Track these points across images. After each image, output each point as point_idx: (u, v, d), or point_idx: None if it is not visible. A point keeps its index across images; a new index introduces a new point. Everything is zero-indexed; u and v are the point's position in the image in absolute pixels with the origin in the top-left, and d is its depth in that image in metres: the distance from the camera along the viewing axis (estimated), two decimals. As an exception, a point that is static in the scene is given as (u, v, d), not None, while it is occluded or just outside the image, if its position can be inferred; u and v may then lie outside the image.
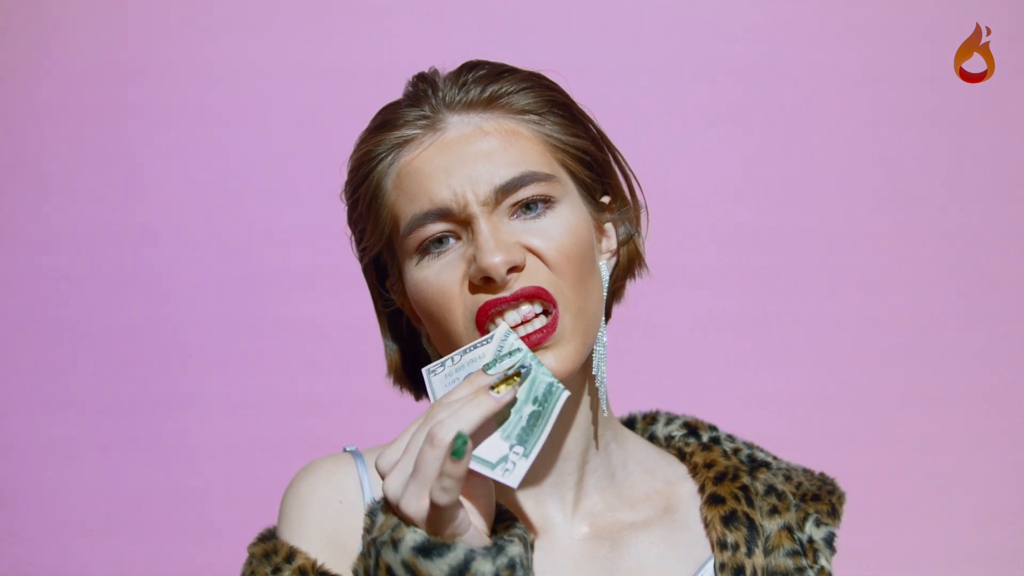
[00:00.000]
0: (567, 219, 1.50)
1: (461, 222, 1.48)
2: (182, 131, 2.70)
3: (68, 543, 2.71)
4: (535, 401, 1.39)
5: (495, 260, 1.45)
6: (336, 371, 2.68)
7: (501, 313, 1.46)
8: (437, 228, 1.49)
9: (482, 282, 1.46)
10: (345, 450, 1.61)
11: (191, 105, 2.71)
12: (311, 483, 1.56)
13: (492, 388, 1.38)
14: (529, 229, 1.48)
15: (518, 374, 1.39)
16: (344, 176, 1.58)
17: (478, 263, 1.45)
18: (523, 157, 1.50)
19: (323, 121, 2.67)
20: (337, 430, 2.51)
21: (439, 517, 1.35)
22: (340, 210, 1.62)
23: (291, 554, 1.51)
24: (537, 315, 1.47)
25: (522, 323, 1.46)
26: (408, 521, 1.37)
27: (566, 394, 1.40)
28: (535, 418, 1.39)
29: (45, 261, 2.73)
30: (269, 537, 1.55)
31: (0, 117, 2.72)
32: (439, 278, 1.48)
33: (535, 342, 1.45)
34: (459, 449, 1.33)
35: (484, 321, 1.46)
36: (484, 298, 1.46)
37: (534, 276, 1.47)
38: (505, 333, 1.44)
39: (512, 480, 1.37)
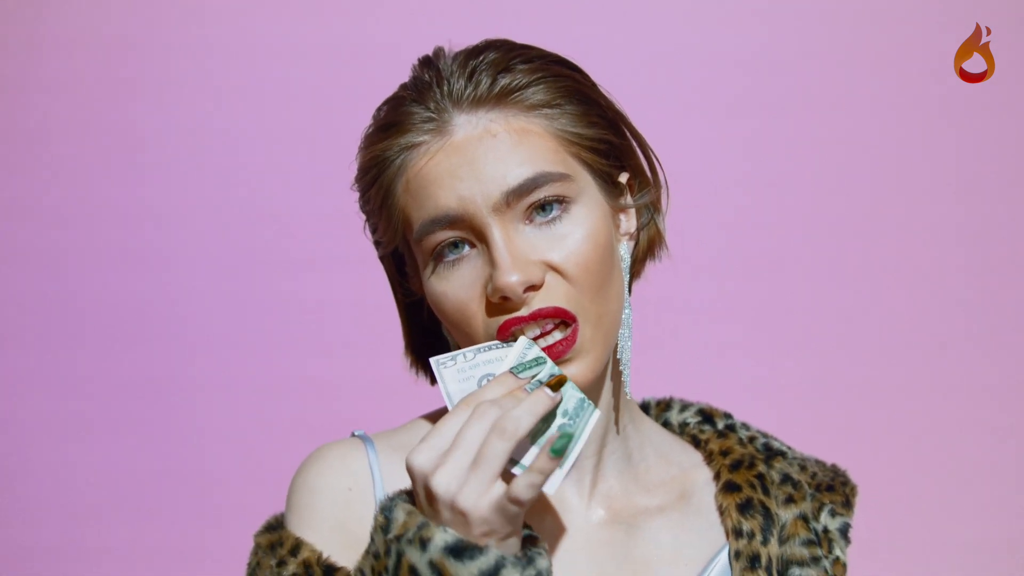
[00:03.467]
0: (584, 222, 1.45)
1: (473, 229, 1.44)
2: (186, 110, 2.68)
3: (71, 524, 2.68)
4: (564, 414, 1.39)
5: (511, 279, 1.41)
6: (344, 354, 2.66)
7: (522, 331, 1.44)
8: (448, 235, 1.45)
9: (500, 300, 1.43)
10: (353, 434, 1.56)
11: (195, 84, 2.68)
12: (320, 469, 1.51)
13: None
14: (545, 238, 1.44)
15: (563, 378, 1.39)
16: (353, 171, 1.54)
17: (494, 282, 1.42)
18: (535, 156, 1.44)
19: (329, 101, 2.64)
20: (344, 413, 2.48)
21: (513, 513, 1.33)
22: (346, 190, 1.58)
23: (296, 546, 1.47)
24: (556, 326, 1.44)
25: (541, 335, 1.44)
26: (458, 516, 1.33)
27: (598, 413, 1.40)
28: (565, 430, 1.38)
29: (50, 239, 2.69)
30: (276, 526, 1.51)
31: (2, 93, 2.67)
32: (457, 296, 1.45)
33: (555, 355, 1.43)
34: (561, 448, 1.32)
35: (505, 338, 1.44)
36: (503, 318, 1.43)
37: (553, 294, 1.44)
38: (527, 344, 1.43)
39: (548, 487, 1.36)
